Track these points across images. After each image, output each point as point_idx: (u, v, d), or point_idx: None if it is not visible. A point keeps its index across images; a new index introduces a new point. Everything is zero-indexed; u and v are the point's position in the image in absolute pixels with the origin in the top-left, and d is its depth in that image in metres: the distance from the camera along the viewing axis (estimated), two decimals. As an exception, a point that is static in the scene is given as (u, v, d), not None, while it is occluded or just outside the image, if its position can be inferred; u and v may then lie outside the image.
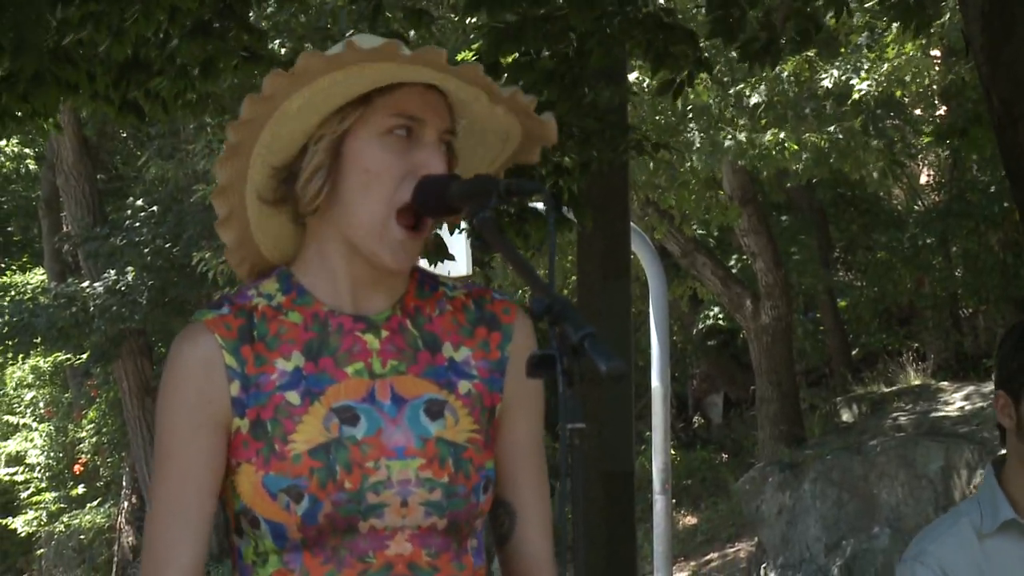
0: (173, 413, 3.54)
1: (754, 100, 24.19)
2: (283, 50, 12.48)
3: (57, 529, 36.79)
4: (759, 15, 11.63)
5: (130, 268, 32.60)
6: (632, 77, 18.07)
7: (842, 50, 22.76)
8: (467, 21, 18.52)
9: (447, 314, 3.72)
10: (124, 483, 33.69)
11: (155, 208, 33.67)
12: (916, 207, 30.26)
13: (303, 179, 3.53)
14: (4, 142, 37.50)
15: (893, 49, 23.86)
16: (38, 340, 36.13)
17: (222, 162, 3.55)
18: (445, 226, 11.21)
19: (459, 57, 12.48)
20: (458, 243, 12.83)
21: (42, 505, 36.51)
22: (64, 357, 35.97)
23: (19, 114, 10.77)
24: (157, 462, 3.57)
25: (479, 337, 3.71)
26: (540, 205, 11.07)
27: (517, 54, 10.85)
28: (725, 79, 22.89)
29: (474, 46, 11.93)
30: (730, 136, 24.21)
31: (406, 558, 3.57)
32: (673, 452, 27.09)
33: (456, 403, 3.64)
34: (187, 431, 3.53)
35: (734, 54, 20.91)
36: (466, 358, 3.68)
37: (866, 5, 13.72)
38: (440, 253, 11.67)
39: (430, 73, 3.55)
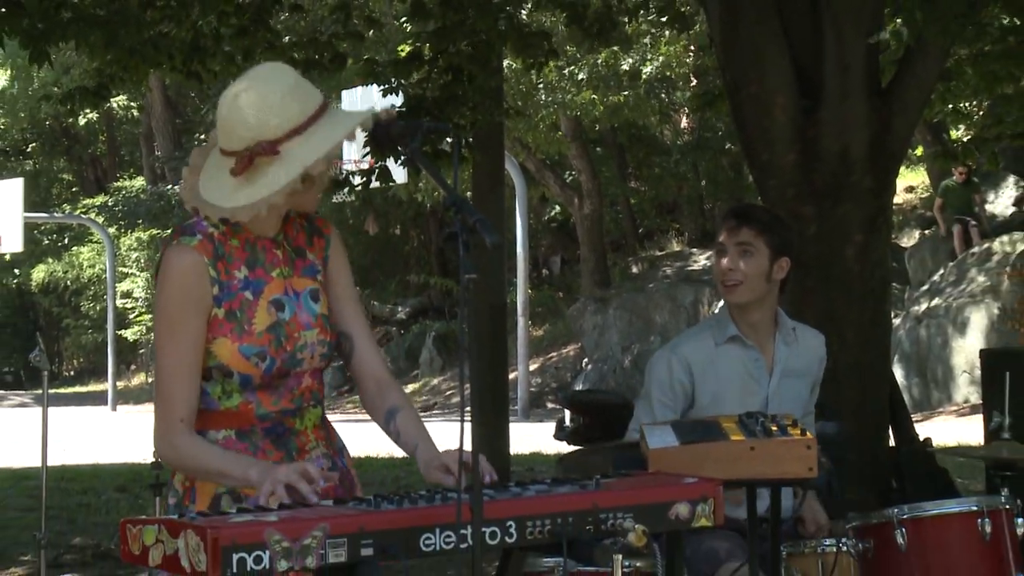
0: (178, 302, 3.55)
1: (580, 76, 24.28)
2: (289, 39, 12.36)
3: (151, 338, 36.66)
4: (596, 8, 11.90)
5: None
6: (505, 63, 18.01)
7: (634, 45, 22.77)
8: (405, 26, 18.42)
9: (299, 233, 3.73)
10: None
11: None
12: (679, 142, 30.33)
13: (313, 176, 3.55)
14: (118, 97, 37.01)
15: (665, 47, 23.98)
16: (140, 221, 35.85)
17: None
18: (391, 158, 11.20)
19: (399, 48, 12.35)
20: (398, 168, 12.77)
21: (142, 322, 36.28)
22: (155, 231, 35.74)
23: (123, 80, 10.93)
24: (164, 334, 3.58)
25: (315, 245, 3.75)
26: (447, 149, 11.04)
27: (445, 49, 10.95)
28: (562, 62, 22.92)
29: (408, 42, 11.88)
30: (562, 98, 24.46)
31: (309, 387, 3.69)
32: (529, 291, 27.11)
33: (319, 288, 3.71)
34: (189, 314, 3.54)
35: (570, 48, 20.93)
36: (314, 260, 3.73)
37: (650, 18, 13.73)
38: (386, 176, 11.64)
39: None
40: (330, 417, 3.88)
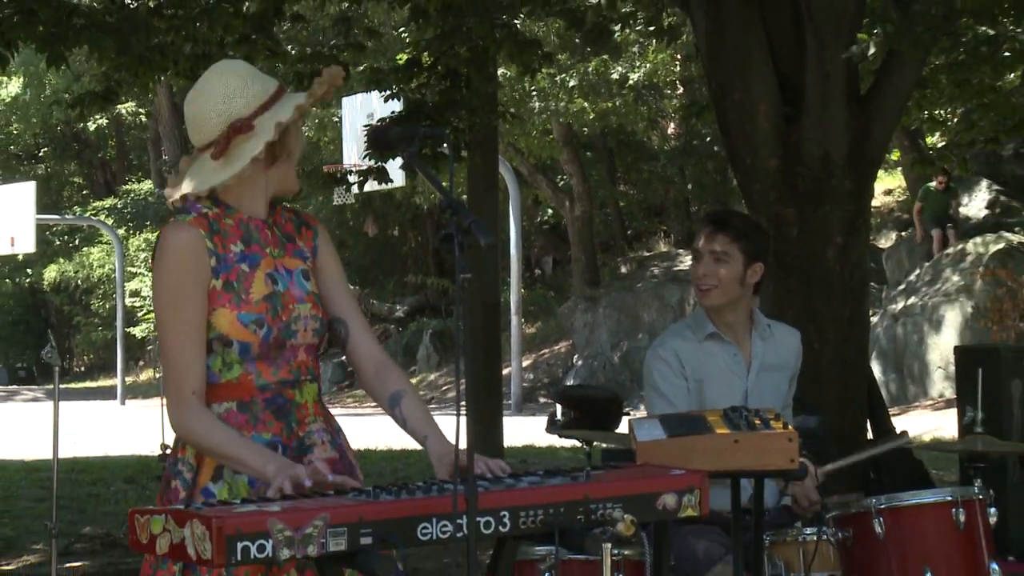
0: (178, 275, 3.54)
1: (572, 83, 24.30)
2: (293, 50, 12.36)
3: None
4: (594, 14, 11.91)
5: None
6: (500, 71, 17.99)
7: (623, 54, 22.79)
8: (404, 36, 18.43)
9: (287, 223, 3.75)
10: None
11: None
12: (666, 147, 30.34)
13: (289, 147, 3.63)
14: (126, 104, 37.03)
15: (653, 55, 23.99)
16: (147, 223, 35.79)
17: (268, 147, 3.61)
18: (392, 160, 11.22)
19: (398, 56, 12.35)
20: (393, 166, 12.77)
21: (150, 320, 36.19)
22: (163, 232, 35.78)
23: (131, 85, 10.97)
24: (167, 309, 3.56)
25: (304, 235, 3.76)
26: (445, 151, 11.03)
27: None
28: (554, 70, 22.94)
29: (407, 50, 11.89)
30: (554, 105, 24.50)
31: (304, 362, 3.66)
32: (523, 290, 27.12)
33: (309, 270, 3.72)
34: (191, 286, 3.54)
35: (561, 56, 20.92)
36: (303, 246, 3.74)
37: (638, 28, 13.76)
38: (383, 176, 11.66)
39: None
40: (330, 411, 3.87)
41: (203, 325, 3.54)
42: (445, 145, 10.60)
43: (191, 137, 3.66)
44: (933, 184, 21.97)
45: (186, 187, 3.63)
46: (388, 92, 11.42)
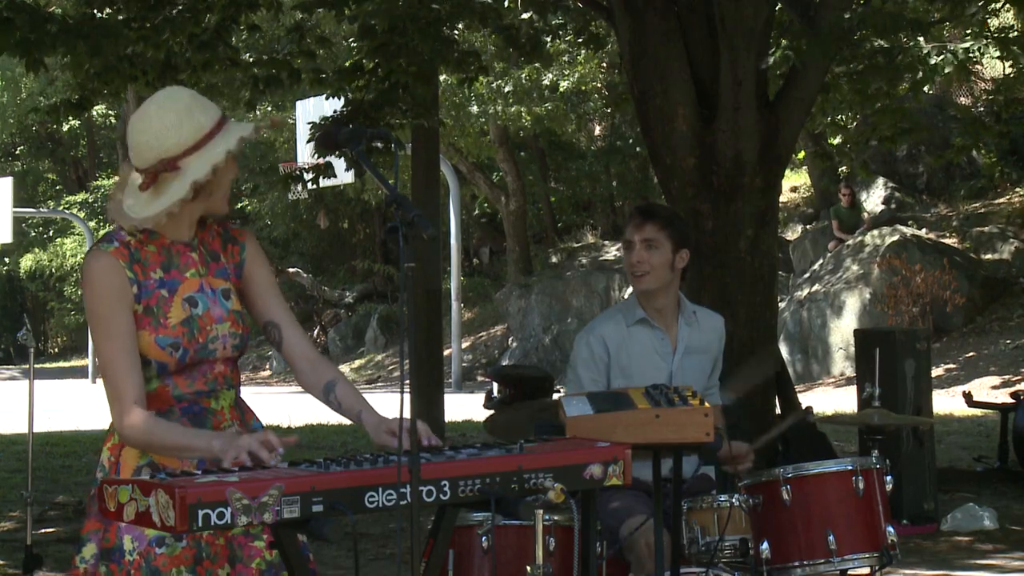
0: (106, 299, 3.50)
1: (507, 89, 24.28)
2: (251, 58, 12.25)
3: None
4: (528, 29, 11.95)
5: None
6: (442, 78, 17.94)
7: (554, 62, 22.79)
8: (352, 44, 18.33)
9: (215, 239, 3.69)
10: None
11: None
12: (592, 147, 30.38)
13: (216, 183, 3.52)
14: (97, 107, 36.64)
15: (581, 65, 24.02)
16: (116, 216, 35.31)
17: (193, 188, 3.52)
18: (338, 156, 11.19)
19: (347, 63, 12.28)
20: (339, 164, 12.71)
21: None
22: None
23: (105, 92, 10.83)
24: (100, 331, 3.52)
25: (229, 251, 3.69)
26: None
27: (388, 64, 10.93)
28: (490, 77, 22.90)
29: (354, 57, 11.85)
30: (491, 109, 24.46)
31: (222, 373, 3.62)
32: (462, 278, 27.08)
33: (230, 288, 3.66)
34: (118, 308, 3.50)
35: (498, 65, 20.89)
36: (226, 264, 3.68)
37: (567, 38, 13.80)
38: (330, 171, 11.62)
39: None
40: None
41: (134, 341, 3.50)
42: (380, 144, 10.58)
43: (130, 156, 3.58)
44: (842, 203, 22.10)
45: (124, 214, 3.57)
46: (329, 92, 11.43)
